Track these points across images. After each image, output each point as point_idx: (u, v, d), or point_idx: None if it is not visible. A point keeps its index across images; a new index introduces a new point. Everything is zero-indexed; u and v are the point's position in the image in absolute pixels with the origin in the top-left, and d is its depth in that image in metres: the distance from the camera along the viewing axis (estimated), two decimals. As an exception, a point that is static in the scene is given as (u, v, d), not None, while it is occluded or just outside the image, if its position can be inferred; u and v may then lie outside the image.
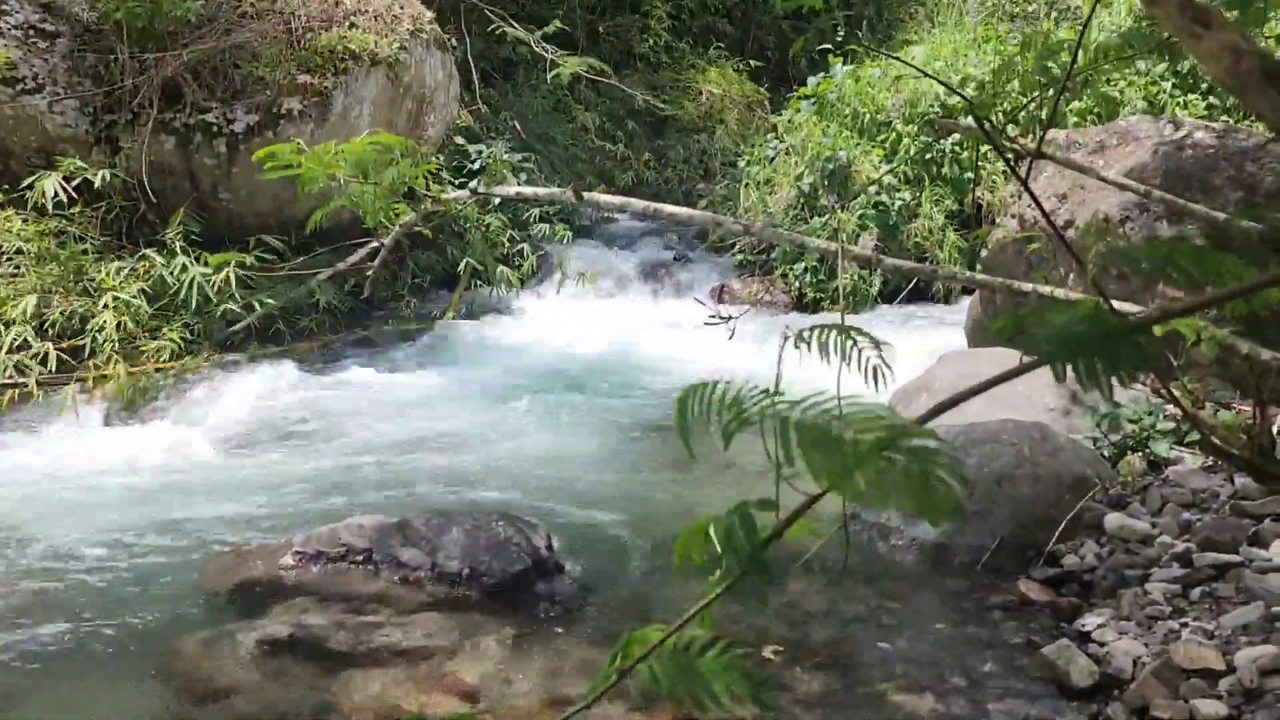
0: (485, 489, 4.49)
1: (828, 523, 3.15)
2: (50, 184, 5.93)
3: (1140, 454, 3.93)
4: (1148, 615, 2.98)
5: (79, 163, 6.08)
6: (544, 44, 9.17)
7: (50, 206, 5.92)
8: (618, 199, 4.24)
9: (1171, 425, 3.95)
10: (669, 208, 4.19)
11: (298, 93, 6.68)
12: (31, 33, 6.38)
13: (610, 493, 4.44)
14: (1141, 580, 3.17)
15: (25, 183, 5.97)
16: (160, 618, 3.32)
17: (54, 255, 5.86)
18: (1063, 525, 3.47)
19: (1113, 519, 3.47)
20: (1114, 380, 0.89)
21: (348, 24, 7.13)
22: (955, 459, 0.87)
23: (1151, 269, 1.08)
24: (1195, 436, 3.77)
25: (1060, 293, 3.54)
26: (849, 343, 1.15)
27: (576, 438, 5.23)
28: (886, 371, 1.21)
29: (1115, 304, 1.45)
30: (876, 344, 1.18)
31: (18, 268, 5.75)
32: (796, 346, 1.14)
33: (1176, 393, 3.48)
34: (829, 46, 8.80)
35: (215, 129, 6.53)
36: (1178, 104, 7.62)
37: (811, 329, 1.18)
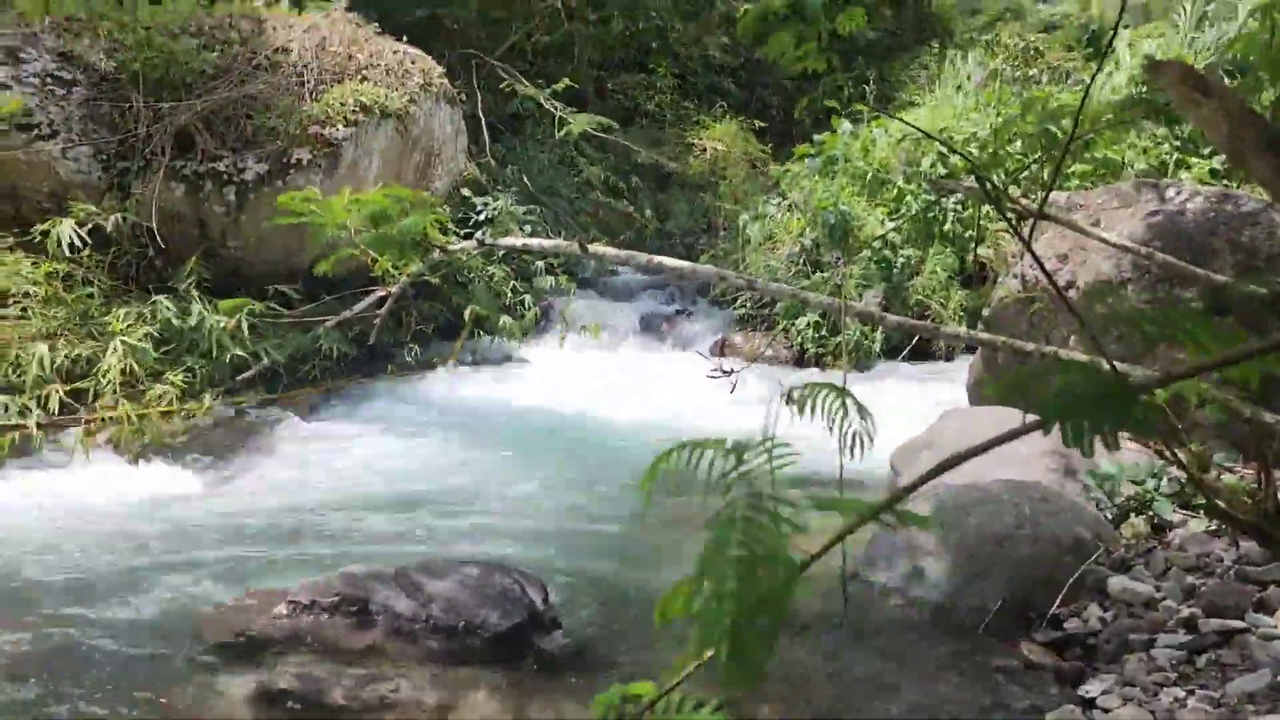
0: (482, 540, 4.46)
1: (828, 582, 3.12)
2: (66, 231, 5.98)
3: (1143, 516, 3.90)
4: (1153, 681, 2.94)
5: (91, 208, 6.14)
6: (554, 101, 9.33)
7: (67, 252, 5.98)
8: (622, 252, 4.26)
9: (1175, 488, 3.93)
10: (672, 261, 4.20)
11: (308, 143, 6.77)
12: (49, 80, 6.48)
13: (609, 546, 4.41)
14: (1146, 645, 3.13)
15: (38, 228, 6.03)
16: (151, 667, 3.28)
17: (61, 299, 5.90)
18: (1066, 587, 3.43)
19: (1116, 582, 3.44)
20: (1102, 444, 0.89)
21: (359, 77, 7.24)
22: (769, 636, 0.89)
23: (1155, 332, 1.08)
24: (1199, 500, 3.75)
25: (1063, 353, 3.54)
26: (837, 405, 1.17)
27: (576, 489, 5.21)
28: (867, 441, 1.24)
29: (1118, 366, 1.45)
30: (862, 412, 1.20)
31: (24, 310, 5.79)
32: (789, 405, 1.15)
33: (1180, 455, 3.47)
34: (835, 105, 8.91)
35: (226, 177, 6.61)
36: (1181, 168, 7.69)
37: (805, 387, 1.19)
